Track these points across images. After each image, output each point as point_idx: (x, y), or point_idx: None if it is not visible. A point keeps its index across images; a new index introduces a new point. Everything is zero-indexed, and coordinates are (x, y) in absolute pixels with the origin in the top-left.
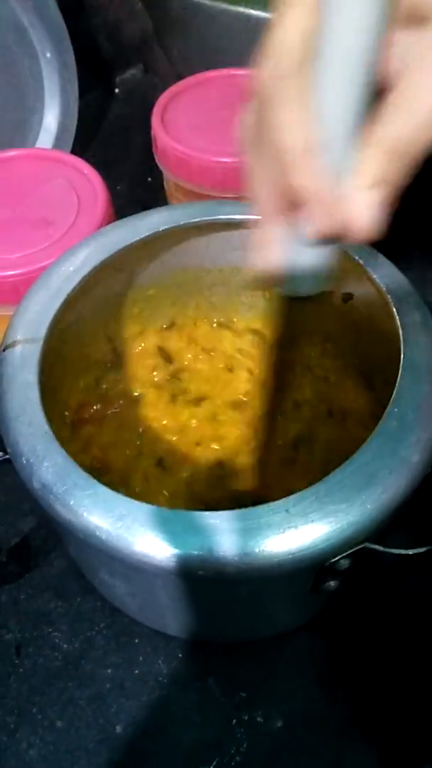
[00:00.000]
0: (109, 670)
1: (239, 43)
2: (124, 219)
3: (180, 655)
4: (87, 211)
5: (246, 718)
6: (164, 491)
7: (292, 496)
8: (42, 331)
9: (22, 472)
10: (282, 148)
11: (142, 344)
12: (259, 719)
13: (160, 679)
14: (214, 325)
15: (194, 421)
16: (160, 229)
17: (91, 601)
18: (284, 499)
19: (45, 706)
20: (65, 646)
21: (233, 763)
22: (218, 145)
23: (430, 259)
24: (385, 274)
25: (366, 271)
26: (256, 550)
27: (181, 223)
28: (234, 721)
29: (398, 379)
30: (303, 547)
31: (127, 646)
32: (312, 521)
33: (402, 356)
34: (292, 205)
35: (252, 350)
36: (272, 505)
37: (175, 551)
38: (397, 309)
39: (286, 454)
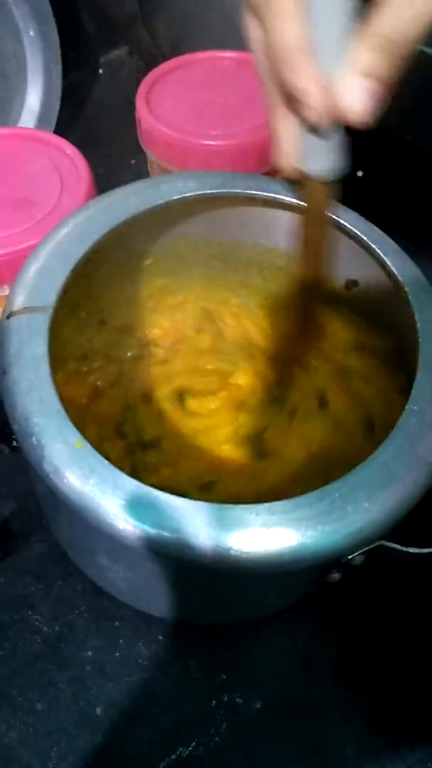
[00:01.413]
0: (89, 653)
1: (225, 25)
2: (129, 185)
3: (160, 638)
4: (70, 192)
5: (226, 699)
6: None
7: (315, 492)
8: (51, 299)
9: (31, 454)
10: (276, 48)
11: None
12: (238, 701)
13: (141, 661)
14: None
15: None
16: (174, 198)
17: (72, 585)
18: (307, 495)
19: (25, 688)
20: (45, 629)
21: (212, 744)
22: (203, 127)
23: None
24: (400, 266)
25: (380, 261)
26: (276, 546)
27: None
28: (214, 702)
29: (417, 375)
30: (320, 545)
31: (108, 629)
32: (334, 519)
33: (420, 352)
34: (293, 97)
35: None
36: (295, 500)
37: (191, 541)
38: (413, 303)
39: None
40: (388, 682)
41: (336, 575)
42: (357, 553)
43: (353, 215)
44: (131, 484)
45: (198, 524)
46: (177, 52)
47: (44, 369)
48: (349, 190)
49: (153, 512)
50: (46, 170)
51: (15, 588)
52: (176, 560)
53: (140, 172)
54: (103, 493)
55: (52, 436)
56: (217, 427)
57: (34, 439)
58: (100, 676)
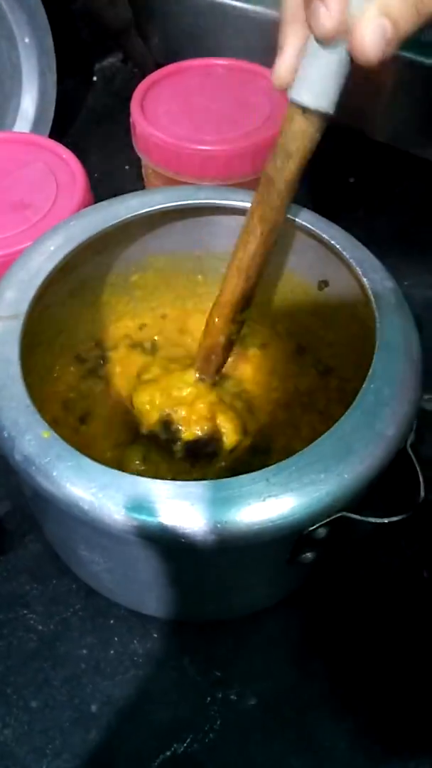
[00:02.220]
0: (84, 651)
1: (219, 33)
2: (104, 201)
3: (155, 636)
4: (65, 195)
5: (220, 696)
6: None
7: (272, 467)
8: (23, 308)
9: (3, 446)
10: None
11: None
12: (233, 697)
13: (136, 659)
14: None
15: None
16: (142, 212)
17: (67, 584)
18: (264, 470)
19: (20, 686)
20: (40, 627)
21: (207, 741)
22: (197, 133)
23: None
24: (361, 259)
25: (343, 257)
26: (237, 518)
27: (162, 206)
28: (208, 699)
29: (374, 357)
30: (283, 515)
31: (103, 627)
32: (292, 490)
33: (377, 335)
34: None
35: None
36: (253, 475)
37: (156, 520)
38: (372, 292)
39: None
40: (381, 678)
41: (308, 555)
42: (318, 524)
43: (322, 220)
44: (96, 469)
45: (157, 501)
46: (171, 59)
47: (15, 370)
48: (342, 194)
49: (118, 494)
50: (41, 174)
51: (10, 587)
52: (140, 538)
53: (135, 177)
54: (75, 481)
55: (21, 429)
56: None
57: (5, 432)
58: (95, 673)
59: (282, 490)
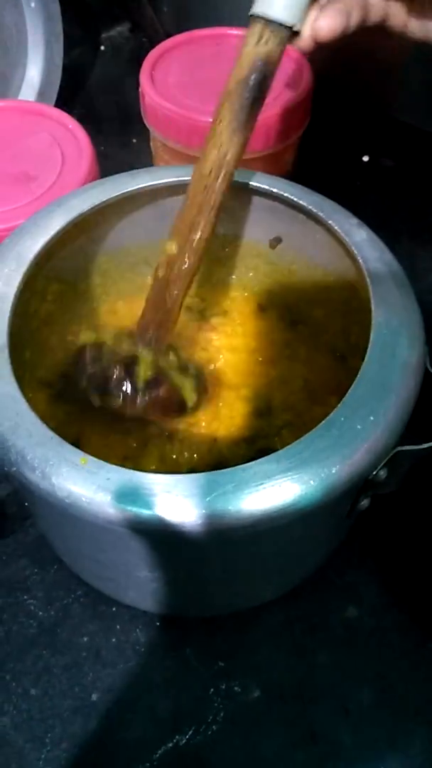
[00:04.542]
0: (85, 639)
1: (230, 2)
2: (111, 176)
3: (158, 624)
4: (71, 167)
5: (223, 687)
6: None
7: (321, 424)
8: (11, 290)
9: None
10: None
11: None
12: (236, 689)
13: (138, 647)
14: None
15: None
16: (142, 186)
17: (68, 569)
18: (315, 430)
19: (19, 674)
20: (41, 613)
21: (209, 732)
22: (208, 105)
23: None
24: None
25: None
26: (311, 484)
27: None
28: (211, 690)
29: (370, 293)
30: (350, 466)
31: (105, 614)
32: (351, 439)
33: (366, 272)
34: None
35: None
36: (307, 437)
37: (174, 516)
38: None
39: None
40: (384, 671)
41: (365, 502)
42: (380, 466)
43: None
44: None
45: (182, 498)
46: (182, 28)
47: (3, 356)
48: (356, 174)
49: (112, 488)
50: (47, 144)
51: (10, 571)
52: (165, 537)
53: (142, 150)
54: (68, 476)
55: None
56: None
57: None
58: (95, 661)
59: (338, 444)
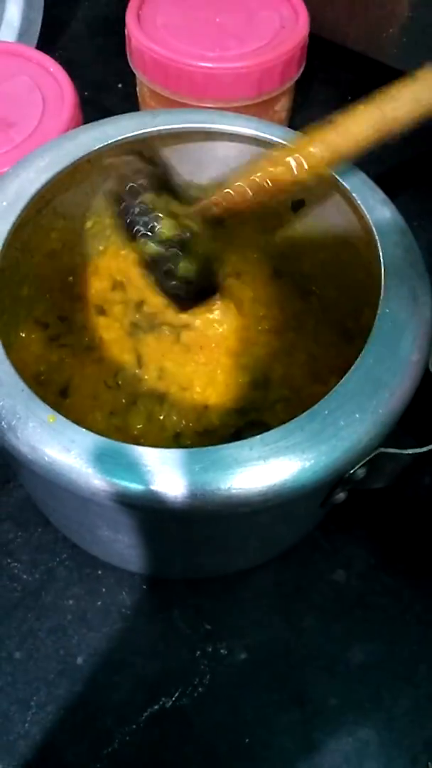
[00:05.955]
0: (70, 602)
1: None
2: (95, 122)
3: (144, 587)
4: (52, 113)
5: (210, 650)
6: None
7: (305, 414)
8: (6, 225)
9: None
10: None
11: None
12: (223, 651)
13: (124, 610)
14: None
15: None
16: (132, 134)
17: (52, 532)
18: (296, 419)
19: (3, 637)
20: (25, 576)
21: (195, 695)
22: (198, 48)
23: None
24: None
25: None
26: (283, 476)
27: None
28: (198, 653)
29: (382, 281)
30: (326, 463)
31: (90, 577)
32: (330, 436)
33: (381, 256)
34: None
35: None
36: (286, 426)
37: (172, 488)
38: (365, 208)
39: None
40: (371, 632)
41: (341, 495)
42: (358, 465)
43: None
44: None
45: (178, 473)
46: None
47: None
48: None
49: (93, 457)
50: (26, 88)
51: None
52: (156, 512)
53: (128, 96)
54: (49, 441)
55: None
56: None
57: None
58: (81, 625)
59: (318, 439)
